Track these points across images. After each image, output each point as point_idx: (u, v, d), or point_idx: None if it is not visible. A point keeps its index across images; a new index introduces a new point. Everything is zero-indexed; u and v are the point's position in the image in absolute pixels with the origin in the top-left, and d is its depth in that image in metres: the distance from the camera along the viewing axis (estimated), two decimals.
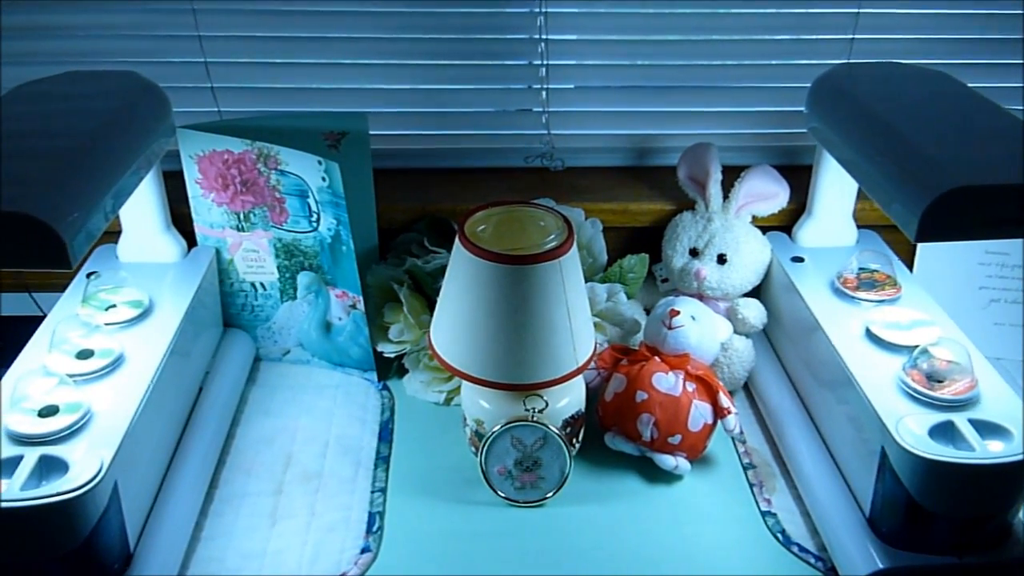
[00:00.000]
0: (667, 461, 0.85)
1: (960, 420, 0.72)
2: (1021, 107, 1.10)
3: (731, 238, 0.98)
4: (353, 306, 0.99)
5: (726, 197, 1.00)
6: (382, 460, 0.90)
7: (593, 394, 0.90)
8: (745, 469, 0.89)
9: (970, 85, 0.85)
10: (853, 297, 0.89)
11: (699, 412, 0.85)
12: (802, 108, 0.95)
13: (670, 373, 0.86)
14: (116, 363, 0.79)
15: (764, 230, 1.01)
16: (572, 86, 1.11)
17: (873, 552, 0.74)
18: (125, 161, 0.78)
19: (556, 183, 1.12)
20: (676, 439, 0.85)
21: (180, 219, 0.98)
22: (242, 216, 0.98)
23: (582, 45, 1.09)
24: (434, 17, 1.06)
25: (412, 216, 1.06)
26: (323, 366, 1.04)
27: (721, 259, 0.98)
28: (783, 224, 1.03)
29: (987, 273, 1.06)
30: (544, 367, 0.79)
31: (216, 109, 1.09)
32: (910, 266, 1.06)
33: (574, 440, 0.88)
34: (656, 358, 0.87)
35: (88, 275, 0.91)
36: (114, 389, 0.77)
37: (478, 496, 0.84)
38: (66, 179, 0.69)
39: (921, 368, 0.77)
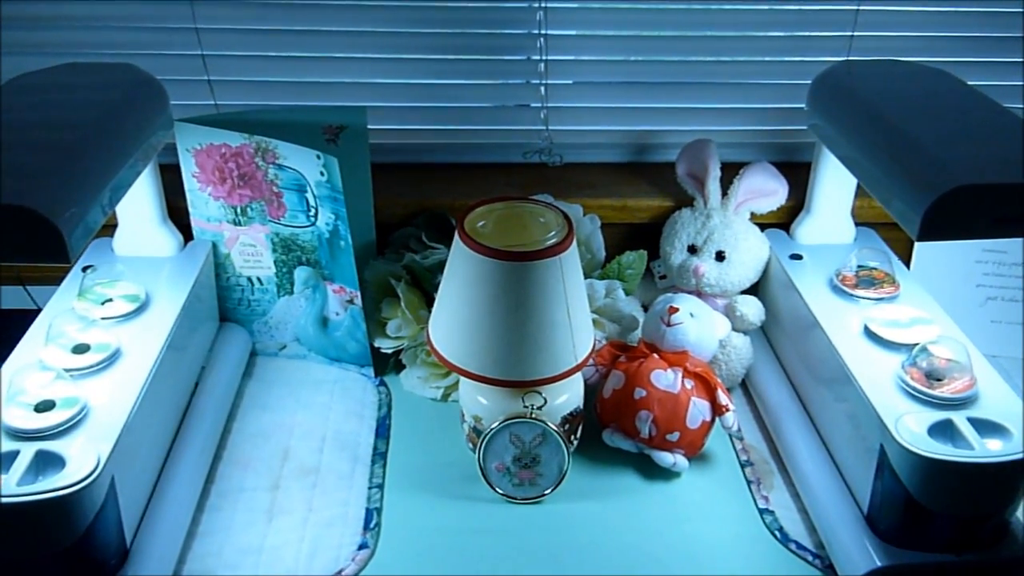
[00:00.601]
0: (665, 458, 0.85)
1: (959, 418, 0.72)
2: (1021, 105, 1.10)
3: (730, 235, 0.98)
4: (351, 301, 0.99)
5: (725, 194, 0.99)
6: (379, 456, 0.90)
7: (591, 391, 0.90)
8: (743, 466, 0.89)
9: (970, 83, 0.85)
10: (852, 295, 0.89)
11: (697, 409, 0.85)
12: (801, 105, 0.95)
13: (668, 370, 0.86)
14: (112, 357, 0.79)
15: (763, 227, 1.01)
16: (571, 81, 1.11)
17: (871, 550, 0.74)
18: (123, 154, 0.78)
19: (555, 179, 1.12)
20: (674, 436, 0.85)
21: (177, 213, 0.98)
22: (239, 210, 0.97)
23: (581, 40, 1.08)
24: (434, 11, 1.05)
25: (410, 211, 1.05)
26: (320, 361, 1.03)
27: (720, 256, 0.98)
28: (782, 221, 1.03)
29: (984, 271, 1.06)
30: (543, 364, 0.79)
31: (213, 102, 1.09)
32: (907, 264, 1.06)
33: (572, 437, 0.88)
34: (654, 355, 0.87)
35: (84, 269, 0.91)
36: (111, 384, 0.76)
37: (476, 493, 0.84)
38: (64, 172, 0.68)
39: (920, 366, 0.77)
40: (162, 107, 0.89)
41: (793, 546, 0.80)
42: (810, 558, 0.79)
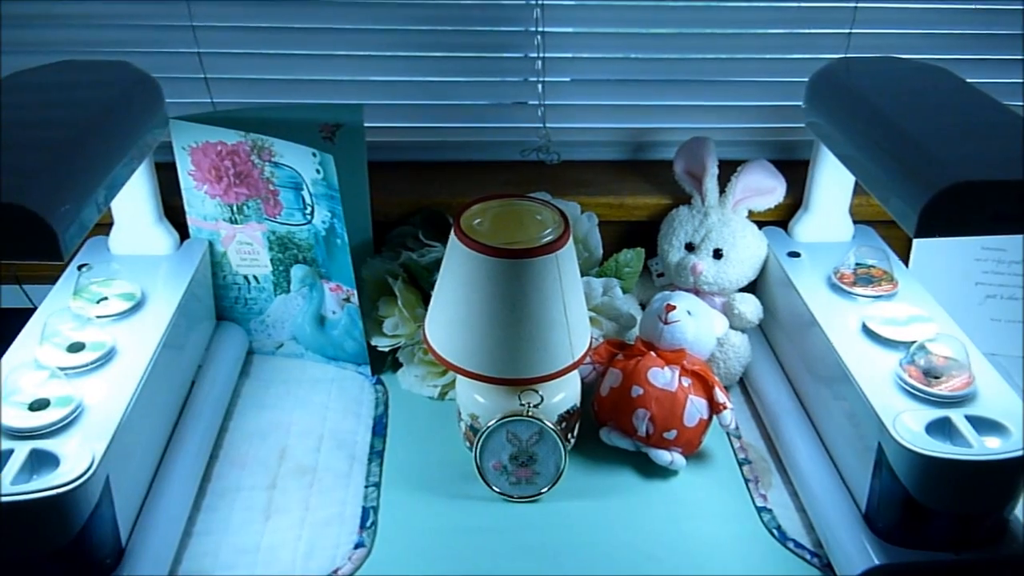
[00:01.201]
0: (662, 456, 0.85)
1: (957, 416, 0.72)
2: (1020, 103, 1.10)
3: (727, 233, 0.97)
4: (347, 300, 0.98)
5: (723, 192, 0.99)
6: (376, 455, 0.89)
7: (589, 389, 0.90)
8: (741, 465, 0.89)
9: (969, 80, 0.85)
10: (850, 292, 0.88)
11: (695, 407, 0.85)
12: (799, 103, 0.94)
13: (666, 368, 0.85)
14: (108, 356, 0.79)
15: (760, 225, 1.01)
16: (568, 79, 1.11)
17: (869, 548, 0.74)
18: (118, 152, 0.77)
19: (552, 177, 1.11)
20: (672, 434, 0.85)
21: (173, 211, 0.97)
22: (235, 208, 0.97)
23: (579, 38, 1.08)
24: (430, 9, 1.05)
25: (407, 209, 1.05)
26: (317, 360, 1.03)
27: (717, 254, 0.98)
28: (779, 219, 1.03)
29: (983, 269, 1.06)
30: (540, 362, 0.79)
31: (209, 100, 1.08)
32: (905, 262, 1.06)
33: (569, 435, 0.87)
34: (652, 353, 0.87)
35: (79, 267, 0.90)
36: (106, 382, 0.76)
37: (473, 491, 0.84)
38: (58, 170, 0.68)
39: (918, 364, 0.77)
40: (158, 105, 0.88)
41: (791, 544, 0.80)
42: (808, 556, 0.78)
